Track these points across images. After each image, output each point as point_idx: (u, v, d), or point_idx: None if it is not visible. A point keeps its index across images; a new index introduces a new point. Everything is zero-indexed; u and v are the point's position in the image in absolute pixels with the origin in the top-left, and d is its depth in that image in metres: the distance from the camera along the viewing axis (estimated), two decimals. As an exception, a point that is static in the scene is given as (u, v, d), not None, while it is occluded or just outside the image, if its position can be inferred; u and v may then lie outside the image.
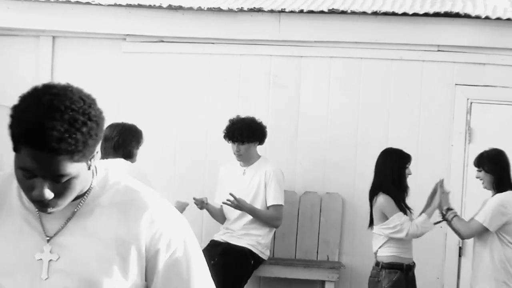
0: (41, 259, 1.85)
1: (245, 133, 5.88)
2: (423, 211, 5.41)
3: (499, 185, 5.23)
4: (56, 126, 1.70)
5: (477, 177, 5.36)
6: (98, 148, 1.83)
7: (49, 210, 1.81)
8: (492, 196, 5.24)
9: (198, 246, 1.99)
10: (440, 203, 5.35)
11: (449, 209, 5.33)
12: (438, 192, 5.37)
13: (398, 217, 5.31)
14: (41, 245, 1.86)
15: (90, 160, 1.82)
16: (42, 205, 1.80)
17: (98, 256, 1.84)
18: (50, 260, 1.85)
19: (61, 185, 1.78)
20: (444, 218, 5.35)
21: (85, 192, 1.89)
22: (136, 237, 1.86)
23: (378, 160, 5.53)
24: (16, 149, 1.76)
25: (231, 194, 5.73)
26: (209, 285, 1.98)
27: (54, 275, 1.84)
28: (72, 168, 1.76)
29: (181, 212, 5.59)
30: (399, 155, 5.49)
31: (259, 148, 6.09)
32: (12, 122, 1.75)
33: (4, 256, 1.86)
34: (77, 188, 1.81)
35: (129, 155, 5.33)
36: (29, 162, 1.74)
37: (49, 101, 1.73)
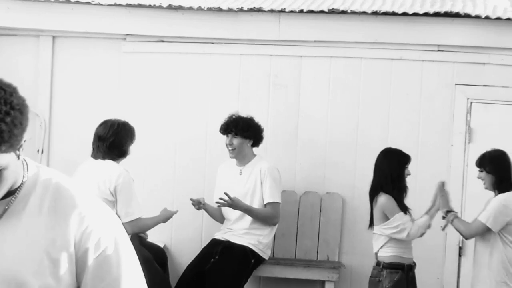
0: None
1: (240, 126, 5.88)
2: (426, 213, 5.41)
3: (500, 185, 5.23)
4: None
5: (478, 177, 5.36)
6: (25, 137, 1.81)
7: None
8: (495, 196, 5.24)
9: (130, 245, 1.96)
10: (440, 205, 5.35)
11: (449, 211, 5.33)
12: (438, 194, 5.38)
13: (400, 217, 5.31)
14: None
15: (18, 150, 1.80)
16: None
17: (28, 256, 1.82)
18: None
19: None
20: (445, 220, 5.36)
21: (16, 189, 1.87)
22: (66, 236, 1.84)
23: (378, 160, 5.53)
24: None
25: (225, 193, 5.72)
26: (140, 284, 1.95)
27: None
28: (1, 159, 1.74)
29: (167, 220, 5.61)
30: (398, 155, 5.49)
31: (259, 149, 6.08)
32: None
33: None
34: (9, 179, 1.80)
35: (123, 154, 5.34)
36: None
37: None
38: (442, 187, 5.40)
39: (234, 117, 5.96)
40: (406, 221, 5.30)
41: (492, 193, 5.32)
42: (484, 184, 5.32)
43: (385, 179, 5.42)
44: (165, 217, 5.63)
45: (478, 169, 5.35)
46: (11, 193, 1.87)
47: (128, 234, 5.17)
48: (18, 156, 1.81)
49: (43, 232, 1.84)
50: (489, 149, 5.38)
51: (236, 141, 5.90)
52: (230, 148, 5.93)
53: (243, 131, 5.90)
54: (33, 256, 1.82)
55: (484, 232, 5.16)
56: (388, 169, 5.44)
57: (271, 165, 5.97)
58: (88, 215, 1.87)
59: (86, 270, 1.86)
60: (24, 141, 1.82)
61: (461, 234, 5.36)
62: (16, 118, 1.74)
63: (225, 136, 5.97)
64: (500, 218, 5.09)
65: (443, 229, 5.46)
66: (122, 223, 2.03)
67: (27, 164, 1.91)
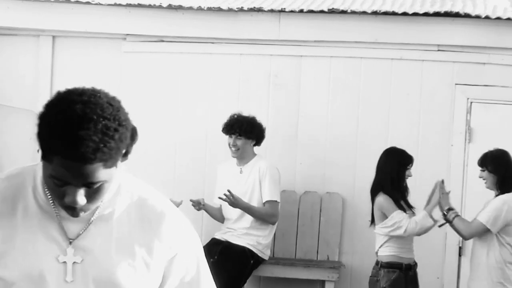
0: (65, 261, 1.83)
1: (244, 127, 5.89)
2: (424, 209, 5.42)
3: (502, 185, 5.22)
4: (91, 137, 1.68)
5: (480, 177, 5.35)
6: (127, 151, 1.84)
7: (80, 214, 1.81)
8: (495, 196, 5.23)
9: (206, 262, 2.04)
10: (440, 203, 5.35)
11: (450, 209, 5.32)
12: (437, 192, 5.37)
13: (396, 215, 5.32)
14: (64, 248, 1.83)
15: (120, 160, 1.84)
16: (73, 211, 1.79)
17: (121, 259, 1.84)
18: (74, 263, 1.83)
19: (93, 191, 1.77)
20: (445, 218, 5.34)
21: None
22: (158, 244, 1.88)
23: (380, 159, 5.55)
24: (47, 158, 1.73)
25: (228, 191, 5.72)
26: None
27: (79, 277, 1.83)
28: (105, 174, 1.75)
29: None
30: (401, 155, 5.50)
31: (260, 148, 6.09)
32: (42, 132, 1.73)
33: (25, 260, 1.82)
34: (107, 191, 1.82)
35: (124, 154, 5.33)
36: (62, 171, 1.71)
37: (81, 110, 1.71)
38: (442, 184, 5.40)
39: (237, 117, 5.95)
40: (403, 218, 5.31)
41: (492, 193, 5.32)
42: (485, 183, 5.31)
43: (385, 178, 5.43)
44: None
45: (480, 168, 5.34)
46: None
47: None
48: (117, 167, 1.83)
49: (136, 236, 1.87)
50: (491, 149, 5.38)
51: (240, 142, 5.91)
52: (233, 149, 5.94)
53: (247, 132, 5.90)
54: (127, 260, 1.85)
55: (482, 233, 5.16)
56: (389, 169, 5.45)
57: (270, 164, 5.97)
58: (175, 226, 1.93)
59: (171, 275, 1.92)
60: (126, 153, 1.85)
61: (459, 233, 5.34)
62: (123, 134, 1.78)
63: (227, 135, 5.97)
64: (500, 219, 5.09)
65: (440, 226, 5.45)
66: None
67: None
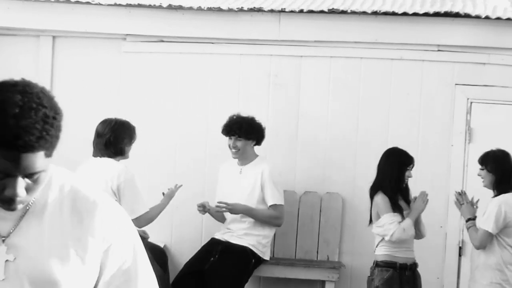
0: None
1: (243, 128, 5.89)
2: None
3: (499, 186, 5.23)
4: (34, 125, 1.70)
5: (478, 175, 5.37)
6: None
7: (17, 207, 1.79)
8: (492, 197, 5.24)
9: (144, 249, 2.00)
10: (462, 212, 5.38)
11: (470, 219, 5.33)
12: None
13: (387, 218, 5.34)
14: None
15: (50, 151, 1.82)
16: (11, 203, 1.78)
17: (55, 254, 1.83)
18: (7, 261, 1.82)
19: (33, 181, 1.77)
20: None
21: None
22: (93, 235, 1.86)
23: (381, 159, 5.56)
24: None
25: (219, 202, 5.73)
26: (151, 282, 1.99)
27: (11, 276, 1.81)
28: (45, 163, 1.76)
29: (170, 199, 5.63)
30: (401, 156, 5.50)
31: (259, 149, 6.09)
32: None
33: None
34: (44, 182, 1.81)
35: (120, 153, 5.32)
36: (3, 163, 1.71)
37: (20, 100, 1.71)
38: (464, 196, 5.41)
39: (235, 118, 5.95)
40: (392, 221, 5.31)
41: (490, 192, 5.32)
42: (483, 182, 5.33)
43: (385, 179, 5.43)
44: (169, 198, 5.64)
45: (479, 166, 5.35)
46: None
47: (139, 228, 5.19)
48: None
49: (68, 231, 1.85)
50: (493, 148, 5.39)
51: (240, 143, 5.92)
52: (234, 150, 5.94)
53: (247, 133, 5.90)
54: (59, 255, 1.83)
55: (491, 239, 5.17)
56: (389, 169, 5.45)
57: (271, 168, 5.96)
58: (108, 215, 1.90)
59: (106, 266, 1.89)
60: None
61: (472, 243, 5.36)
62: (58, 121, 1.78)
63: (227, 137, 5.97)
64: (500, 221, 5.11)
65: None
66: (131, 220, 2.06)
67: None
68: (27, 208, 1.86)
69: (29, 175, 1.75)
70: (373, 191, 5.46)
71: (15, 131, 1.68)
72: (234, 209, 5.78)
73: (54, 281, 1.82)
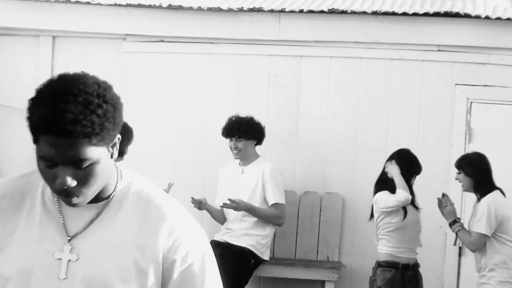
0: (60, 258, 1.82)
1: (243, 128, 5.90)
2: None
3: (479, 188, 5.22)
4: (70, 109, 1.69)
5: (456, 179, 5.37)
6: (118, 135, 1.81)
7: (74, 200, 1.78)
8: (478, 200, 5.23)
9: (215, 261, 1.97)
10: (446, 216, 5.36)
11: (455, 221, 5.32)
12: (442, 205, 5.39)
13: (393, 201, 5.38)
14: (62, 245, 1.83)
15: (112, 148, 1.80)
16: (66, 195, 1.77)
17: (117, 262, 1.82)
18: (69, 260, 1.82)
19: (83, 172, 1.75)
20: (452, 230, 5.37)
21: (109, 195, 1.87)
22: (155, 246, 1.84)
23: (391, 157, 5.54)
24: (35, 140, 1.74)
25: (229, 200, 5.73)
26: None
27: (72, 276, 1.81)
28: (92, 152, 1.73)
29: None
30: (411, 163, 5.50)
31: (259, 149, 6.09)
32: (29, 114, 1.74)
33: (23, 255, 1.83)
34: (100, 176, 1.78)
35: (120, 153, 5.33)
36: (48, 150, 1.71)
37: (62, 86, 1.73)
38: (447, 198, 5.40)
39: (234, 119, 5.96)
40: (396, 200, 5.35)
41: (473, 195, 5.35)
42: (462, 186, 5.32)
43: (388, 178, 5.44)
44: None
45: (456, 170, 5.36)
46: (104, 198, 1.87)
47: None
48: (112, 155, 1.81)
49: (132, 240, 1.84)
50: (469, 152, 5.44)
51: (241, 144, 5.92)
52: (235, 151, 5.94)
53: (247, 133, 5.91)
54: (121, 263, 1.82)
55: (485, 241, 5.16)
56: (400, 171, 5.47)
57: (273, 167, 5.97)
58: (178, 228, 1.88)
59: (170, 282, 1.87)
60: (118, 139, 1.82)
61: (466, 247, 5.35)
62: (108, 112, 1.74)
63: (227, 139, 5.98)
64: (492, 221, 5.10)
65: (454, 244, 5.50)
66: None
67: (121, 173, 1.91)
68: (100, 211, 1.86)
69: (76, 163, 1.73)
70: (377, 188, 5.47)
71: (51, 114, 1.69)
72: (239, 207, 5.78)
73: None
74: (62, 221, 1.85)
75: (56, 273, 1.82)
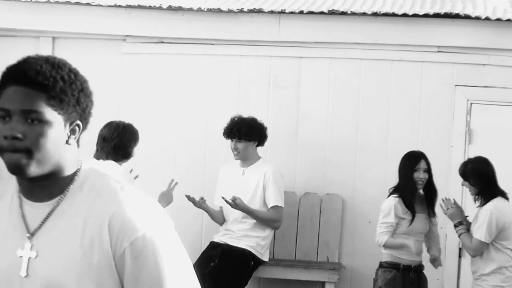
0: (21, 256, 1.83)
1: (243, 130, 5.89)
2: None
3: (485, 194, 5.23)
4: (38, 62, 1.81)
5: (462, 185, 5.38)
6: (80, 124, 1.87)
7: (22, 161, 1.78)
8: (481, 205, 5.23)
9: (175, 240, 1.89)
10: (451, 217, 5.36)
11: (460, 223, 5.31)
12: (449, 205, 5.38)
13: (378, 223, 5.39)
14: (23, 242, 1.84)
15: (69, 126, 1.84)
16: (13, 149, 1.78)
17: (70, 258, 1.80)
18: (30, 258, 1.82)
19: (33, 128, 1.78)
20: (456, 231, 5.37)
21: (65, 189, 1.87)
22: (102, 239, 1.81)
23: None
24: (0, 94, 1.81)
25: (233, 196, 5.73)
26: (184, 280, 1.88)
27: (33, 273, 1.81)
28: (46, 110, 1.79)
29: (169, 200, 5.59)
30: (407, 158, 5.49)
31: (260, 149, 6.09)
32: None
33: None
34: (49, 142, 1.80)
35: (127, 156, 5.34)
36: (6, 100, 1.79)
37: (42, 57, 1.86)
38: (447, 201, 5.40)
39: (236, 120, 5.95)
40: (379, 226, 5.35)
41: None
42: (469, 191, 5.33)
43: (399, 182, 5.44)
44: (166, 197, 5.61)
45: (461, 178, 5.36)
46: (59, 192, 1.86)
47: None
48: (68, 138, 1.84)
49: (82, 234, 1.82)
50: (471, 157, 5.42)
51: (240, 145, 5.92)
52: (235, 152, 5.94)
53: (247, 134, 5.90)
54: (74, 259, 1.80)
55: (485, 247, 5.17)
56: (401, 172, 5.46)
57: (275, 169, 5.96)
58: (124, 217, 1.82)
59: (125, 272, 1.82)
60: (79, 127, 1.87)
61: (466, 251, 5.35)
62: (75, 84, 1.84)
63: (228, 139, 5.97)
64: (492, 229, 5.11)
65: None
66: None
67: (80, 167, 1.91)
68: (55, 205, 1.85)
69: (29, 114, 1.78)
70: (389, 193, 5.48)
71: (19, 63, 1.83)
72: (237, 204, 5.76)
73: (70, 285, 1.80)
74: (23, 218, 1.85)
75: (18, 271, 1.82)
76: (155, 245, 1.83)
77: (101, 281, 1.82)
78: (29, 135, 1.78)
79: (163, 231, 1.86)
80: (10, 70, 1.83)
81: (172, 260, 1.85)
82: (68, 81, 1.82)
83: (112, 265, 1.82)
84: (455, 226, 5.34)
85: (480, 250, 5.17)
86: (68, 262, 1.80)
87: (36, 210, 1.85)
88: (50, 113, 1.79)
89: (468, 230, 5.28)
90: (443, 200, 5.44)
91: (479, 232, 5.13)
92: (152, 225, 1.85)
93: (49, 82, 1.79)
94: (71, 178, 1.88)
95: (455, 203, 5.42)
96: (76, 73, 1.86)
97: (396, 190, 5.43)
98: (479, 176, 5.24)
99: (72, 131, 1.86)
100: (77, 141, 1.90)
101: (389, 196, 5.44)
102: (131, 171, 5.57)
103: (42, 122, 1.79)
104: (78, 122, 1.86)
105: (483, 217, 5.14)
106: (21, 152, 1.78)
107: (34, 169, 1.80)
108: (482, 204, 5.23)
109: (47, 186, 1.86)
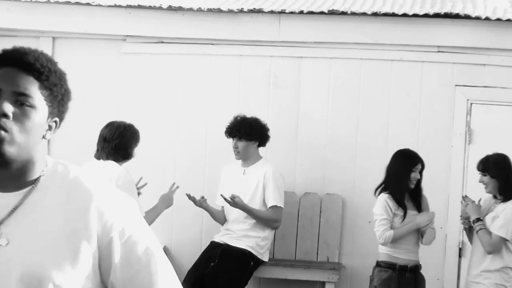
0: None
1: (244, 129, 5.90)
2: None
3: (505, 190, 5.19)
4: (36, 51, 1.90)
5: (480, 181, 5.31)
6: (58, 121, 1.91)
7: (3, 134, 1.79)
8: (501, 202, 5.19)
9: (151, 232, 1.94)
10: (469, 213, 5.32)
11: (478, 219, 5.28)
12: (465, 203, 5.36)
13: (376, 221, 5.39)
14: None
15: (51, 118, 1.87)
16: None
17: (48, 248, 1.81)
18: (0, 245, 1.82)
19: (21, 110, 1.81)
20: (471, 227, 5.33)
21: (35, 180, 1.87)
22: (87, 229, 1.82)
23: (390, 159, 5.55)
24: None
25: (232, 195, 5.74)
26: (167, 268, 1.92)
27: (6, 261, 1.81)
28: (36, 95, 1.84)
29: (169, 203, 5.59)
30: (406, 158, 5.49)
31: (260, 149, 6.09)
32: None
33: None
34: (32, 127, 1.82)
35: (128, 156, 5.34)
36: (0, 81, 1.83)
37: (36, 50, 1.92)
38: (467, 198, 5.39)
39: (238, 119, 5.96)
40: (379, 225, 5.34)
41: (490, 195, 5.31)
42: (486, 188, 5.27)
43: (389, 179, 5.43)
44: (167, 200, 5.61)
45: (480, 173, 5.30)
46: (28, 184, 1.87)
47: None
48: (48, 130, 1.88)
49: (62, 224, 1.83)
50: (490, 153, 5.35)
51: (241, 144, 5.92)
52: (236, 151, 5.95)
53: (247, 134, 5.91)
54: (54, 249, 1.81)
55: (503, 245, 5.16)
56: (394, 170, 5.45)
57: (275, 169, 5.97)
58: (108, 206, 1.87)
59: (112, 261, 1.85)
60: (56, 123, 1.90)
61: (483, 246, 5.31)
62: (62, 80, 1.93)
63: (229, 137, 5.98)
64: None
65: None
66: None
67: (46, 160, 1.93)
68: (24, 196, 1.86)
69: (20, 96, 1.81)
70: (377, 191, 5.47)
71: (20, 51, 1.88)
72: (236, 202, 5.77)
73: (47, 277, 1.79)
74: None
75: None
76: (142, 235, 1.89)
77: (83, 272, 1.82)
78: (16, 116, 1.81)
79: (145, 224, 1.94)
80: (7, 52, 1.88)
81: (155, 247, 1.91)
82: (59, 78, 1.91)
83: (96, 257, 1.84)
84: (473, 222, 5.29)
85: (498, 247, 5.12)
86: (47, 251, 1.81)
87: (2, 199, 1.85)
88: (39, 101, 1.84)
89: (485, 227, 5.24)
90: (463, 197, 5.44)
91: (502, 230, 5.09)
92: (136, 217, 1.92)
93: (44, 71, 1.87)
94: (40, 170, 1.90)
95: (473, 201, 5.40)
96: (65, 76, 1.95)
97: (384, 188, 5.44)
98: (502, 167, 5.20)
99: (50, 127, 1.89)
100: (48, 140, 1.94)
101: (378, 195, 5.45)
102: (140, 179, 5.59)
103: (31, 107, 1.83)
104: (57, 119, 1.91)
105: (507, 214, 5.10)
106: (6, 132, 1.80)
107: (12, 151, 1.82)
108: (502, 200, 5.20)
109: (16, 176, 1.87)
